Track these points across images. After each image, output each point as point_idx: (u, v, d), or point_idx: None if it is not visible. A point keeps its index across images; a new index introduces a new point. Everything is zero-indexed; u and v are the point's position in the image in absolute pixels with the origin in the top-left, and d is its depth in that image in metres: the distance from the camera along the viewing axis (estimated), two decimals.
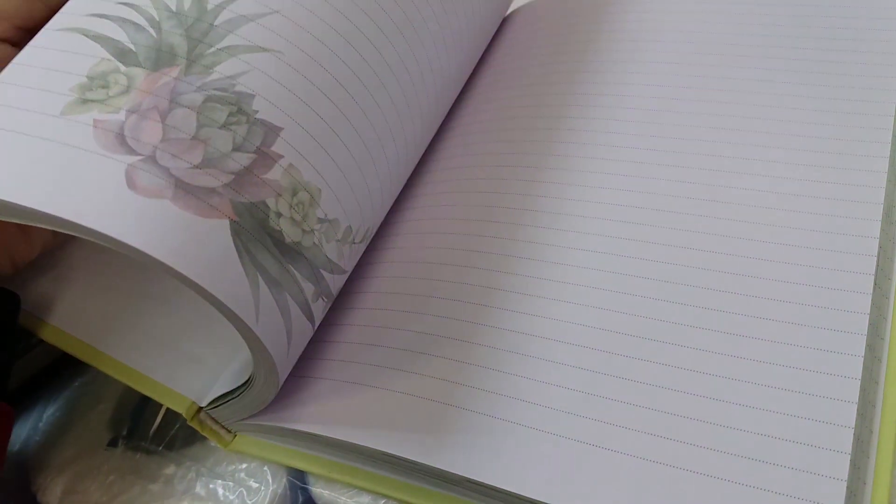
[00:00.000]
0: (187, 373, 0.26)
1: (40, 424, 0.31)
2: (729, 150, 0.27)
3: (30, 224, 0.19)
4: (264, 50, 0.22)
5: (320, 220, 0.23)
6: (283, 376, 0.23)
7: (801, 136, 0.27)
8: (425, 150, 0.31)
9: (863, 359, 0.21)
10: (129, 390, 0.30)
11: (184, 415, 0.25)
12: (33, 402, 0.32)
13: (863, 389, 0.21)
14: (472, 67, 0.34)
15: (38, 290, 0.29)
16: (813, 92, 0.28)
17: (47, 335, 0.28)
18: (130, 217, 0.19)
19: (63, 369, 0.32)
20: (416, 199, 0.30)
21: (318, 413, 0.24)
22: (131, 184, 0.19)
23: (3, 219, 0.20)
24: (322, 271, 0.23)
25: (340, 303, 0.27)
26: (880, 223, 0.24)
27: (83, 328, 0.28)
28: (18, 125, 0.20)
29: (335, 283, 0.24)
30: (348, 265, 0.25)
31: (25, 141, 0.20)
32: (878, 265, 0.23)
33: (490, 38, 0.36)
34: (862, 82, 0.28)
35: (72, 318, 0.28)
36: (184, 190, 0.19)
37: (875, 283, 0.22)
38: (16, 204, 0.19)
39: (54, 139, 0.20)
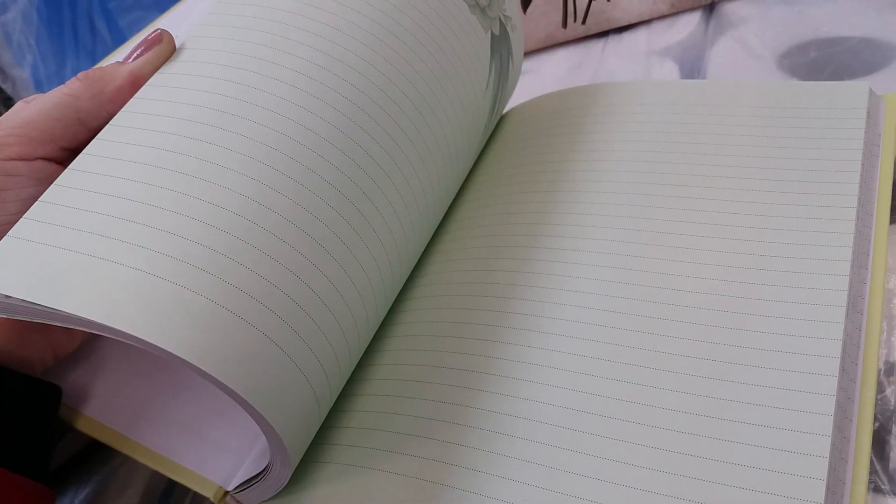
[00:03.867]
0: (213, 458, 0.28)
1: None
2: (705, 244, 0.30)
3: (88, 331, 0.21)
4: None
5: None
6: (295, 461, 0.25)
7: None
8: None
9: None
10: (156, 475, 0.32)
11: (212, 498, 0.27)
12: (65, 488, 0.33)
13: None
14: (470, 166, 0.37)
15: (74, 380, 0.31)
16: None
17: (82, 425, 0.29)
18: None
19: (93, 455, 0.34)
20: (416, 290, 0.33)
21: (326, 495, 0.26)
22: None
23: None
24: None
25: (346, 389, 0.29)
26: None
27: (115, 417, 0.29)
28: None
29: None
30: None
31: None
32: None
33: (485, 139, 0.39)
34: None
35: (105, 407, 0.30)
36: None
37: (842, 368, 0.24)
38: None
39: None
